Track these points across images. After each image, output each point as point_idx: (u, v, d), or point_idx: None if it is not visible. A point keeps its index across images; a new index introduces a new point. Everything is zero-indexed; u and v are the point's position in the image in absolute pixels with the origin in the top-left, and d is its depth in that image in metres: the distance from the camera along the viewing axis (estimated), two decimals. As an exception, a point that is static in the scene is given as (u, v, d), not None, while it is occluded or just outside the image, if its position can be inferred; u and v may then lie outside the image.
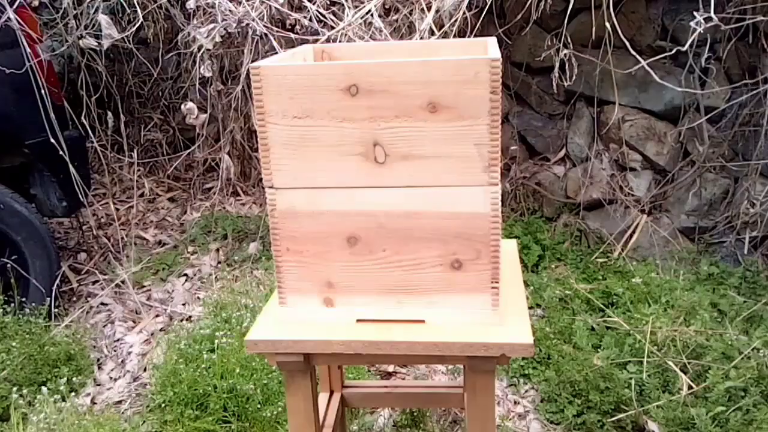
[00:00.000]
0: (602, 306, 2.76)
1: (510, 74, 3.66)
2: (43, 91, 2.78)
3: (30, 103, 2.79)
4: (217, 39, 3.12)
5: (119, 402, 2.49)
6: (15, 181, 2.96)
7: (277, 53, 2.90)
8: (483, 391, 1.30)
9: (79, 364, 2.60)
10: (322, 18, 3.09)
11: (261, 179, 1.27)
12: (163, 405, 2.29)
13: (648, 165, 3.33)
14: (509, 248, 1.64)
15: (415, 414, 2.26)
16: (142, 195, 4.22)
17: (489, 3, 2.98)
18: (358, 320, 1.30)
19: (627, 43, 2.72)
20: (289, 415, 1.38)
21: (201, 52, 3.19)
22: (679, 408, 2.16)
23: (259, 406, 2.22)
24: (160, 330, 2.93)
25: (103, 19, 3.02)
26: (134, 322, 3.01)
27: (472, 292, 1.25)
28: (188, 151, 4.09)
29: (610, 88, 3.14)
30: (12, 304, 2.72)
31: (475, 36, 3.00)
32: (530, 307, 2.75)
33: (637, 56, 2.74)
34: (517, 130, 3.71)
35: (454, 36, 2.85)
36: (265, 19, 3.10)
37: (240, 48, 3.40)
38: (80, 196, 3.01)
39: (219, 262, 3.49)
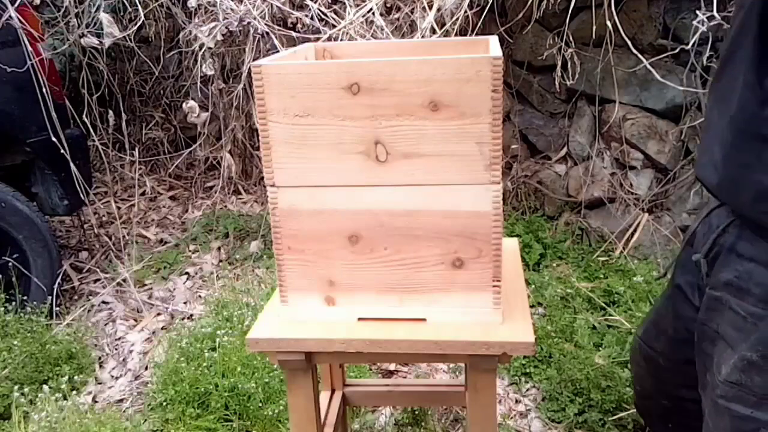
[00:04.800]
0: (603, 305, 2.76)
1: (511, 73, 3.66)
2: (44, 90, 2.78)
3: (31, 102, 2.79)
4: (219, 37, 3.12)
5: (121, 400, 2.50)
6: (16, 179, 2.96)
7: (278, 52, 2.90)
8: (484, 389, 1.30)
9: (80, 363, 2.61)
10: (323, 16, 3.09)
11: (262, 178, 1.27)
12: (164, 403, 2.29)
13: (649, 163, 3.32)
14: (511, 247, 1.63)
15: (416, 412, 2.26)
16: (143, 193, 4.22)
17: (490, 2, 2.98)
18: (359, 319, 1.30)
19: (628, 42, 2.72)
20: (290, 414, 1.38)
21: (202, 50, 3.19)
22: (680, 407, 2.16)
23: (260, 404, 2.22)
24: (162, 328, 2.93)
25: (105, 17, 3.03)
26: (135, 320, 3.02)
27: (473, 290, 1.25)
28: (190, 149, 4.10)
29: (611, 87, 3.14)
30: (13, 303, 2.72)
31: (477, 35, 2.99)
32: (531, 306, 2.75)
33: (639, 55, 2.74)
34: (518, 129, 3.71)
35: (456, 35, 2.85)
36: (267, 18, 3.10)
37: (241, 46, 3.41)
38: (81, 194, 3.01)
39: (220, 261, 3.49)
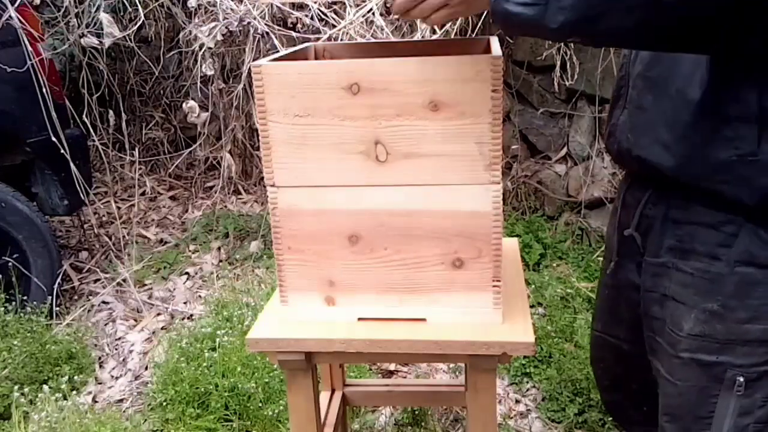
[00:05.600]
0: (604, 305, 2.75)
1: (511, 73, 3.66)
2: (44, 90, 2.78)
3: (31, 102, 2.79)
4: (219, 37, 3.12)
5: (120, 400, 2.50)
6: (16, 179, 2.96)
7: (278, 51, 2.90)
8: (484, 389, 1.30)
9: (80, 363, 2.61)
10: (323, 16, 3.09)
11: (262, 178, 1.27)
12: (164, 403, 2.29)
13: (649, 164, 3.32)
14: (510, 247, 1.63)
15: (416, 412, 2.26)
16: (143, 193, 4.23)
17: (490, 1, 2.97)
18: (359, 319, 1.30)
19: (629, 42, 2.72)
20: (290, 414, 1.38)
21: (202, 50, 3.20)
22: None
23: (260, 404, 2.22)
24: (162, 328, 2.93)
25: (105, 17, 3.02)
26: (135, 320, 3.02)
27: (473, 290, 1.25)
28: (190, 149, 4.10)
29: (611, 87, 3.13)
30: (13, 303, 2.72)
31: (477, 35, 2.99)
32: (531, 306, 2.75)
33: (639, 55, 2.73)
34: (518, 129, 3.71)
35: (456, 35, 2.85)
36: (267, 18, 3.10)
37: (241, 46, 3.41)
38: (81, 194, 3.01)
39: (220, 261, 3.49)
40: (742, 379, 1.12)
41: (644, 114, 1.20)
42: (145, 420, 2.30)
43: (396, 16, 1.08)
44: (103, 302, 3.15)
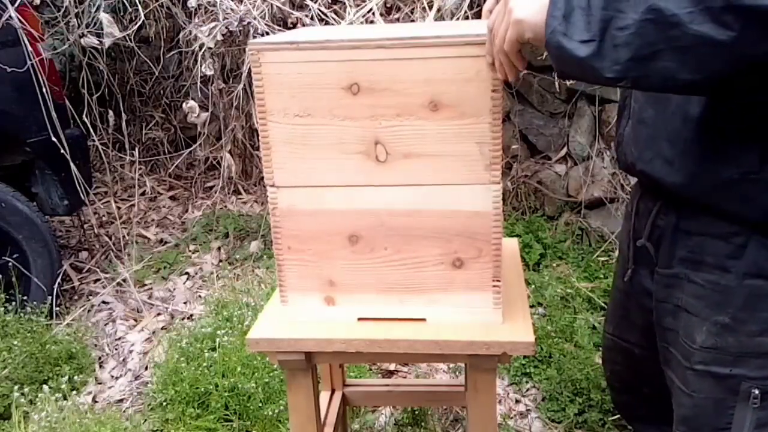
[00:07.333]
0: (603, 305, 2.76)
1: (511, 73, 3.65)
2: (44, 90, 2.78)
3: (31, 102, 2.79)
4: (219, 37, 3.12)
5: (120, 400, 2.50)
6: (16, 179, 2.96)
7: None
8: (484, 389, 1.30)
9: (80, 363, 2.61)
10: (323, 16, 3.09)
11: (262, 178, 1.27)
12: (164, 403, 2.29)
13: (649, 164, 3.32)
14: (510, 247, 1.63)
15: (416, 412, 2.26)
16: (143, 193, 4.23)
17: (490, 1, 2.98)
18: (359, 319, 1.30)
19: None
20: (290, 414, 1.38)
21: (202, 50, 3.20)
22: (680, 407, 2.16)
23: (260, 404, 2.22)
24: (162, 328, 2.93)
25: (105, 17, 3.03)
26: (135, 320, 3.02)
27: (473, 290, 1.25)
28: (190, 149, 4.10)
29: (611, 87, 3.13)
30: (13, 303, 2.72)
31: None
32: (531, 306, 2.75)
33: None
34: (518, 129, 3.71)
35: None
36: (267, 18, 3.10)
37: (241, 46, 3.41)
38: (81, 194, 3.01)
39: (220, 261, 3.49)
40: (757, 392, 1.11)
41: (646, 128, 1.20)
42: (145, 420, 2.30)
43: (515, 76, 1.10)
44: (103, 302, 3.15)
